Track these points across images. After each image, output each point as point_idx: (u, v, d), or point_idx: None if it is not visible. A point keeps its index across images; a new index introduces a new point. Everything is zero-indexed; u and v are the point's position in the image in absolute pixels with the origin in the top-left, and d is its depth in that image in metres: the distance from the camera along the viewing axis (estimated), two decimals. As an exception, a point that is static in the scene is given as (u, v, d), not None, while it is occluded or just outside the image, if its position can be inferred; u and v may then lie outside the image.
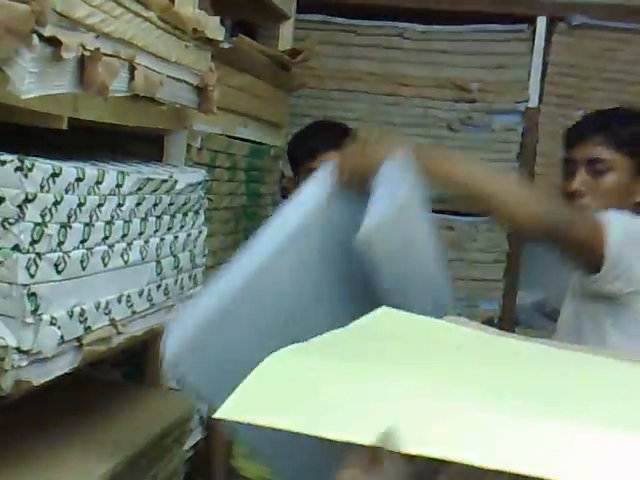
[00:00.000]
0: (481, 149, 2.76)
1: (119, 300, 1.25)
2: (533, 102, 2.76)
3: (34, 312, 1.00)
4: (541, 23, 2.72)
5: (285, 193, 2.18)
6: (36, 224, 1.00)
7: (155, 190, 1.35)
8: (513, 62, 2.77)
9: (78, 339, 1.13)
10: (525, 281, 2.84)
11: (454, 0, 2.76)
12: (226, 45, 1.70)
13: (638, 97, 2.69)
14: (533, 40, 2.73)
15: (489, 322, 2.59)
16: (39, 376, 1.04)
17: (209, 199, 1.69)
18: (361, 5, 2.78)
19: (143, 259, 1.33)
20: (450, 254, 2.64)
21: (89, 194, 1.13)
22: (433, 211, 2.67)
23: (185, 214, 1.50)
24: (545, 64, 2.75)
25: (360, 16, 2.79)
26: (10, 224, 0.97)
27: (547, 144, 2.75)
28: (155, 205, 1.36)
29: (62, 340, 1.07)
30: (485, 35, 2.77)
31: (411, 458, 0.64)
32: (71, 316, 1.09)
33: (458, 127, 2.76)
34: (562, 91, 2.76)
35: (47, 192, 1.02)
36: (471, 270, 2.78)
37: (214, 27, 1.53)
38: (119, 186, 1.22)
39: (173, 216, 1.44)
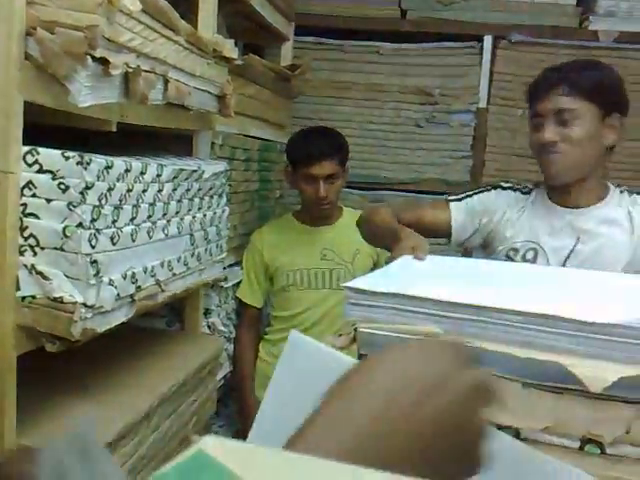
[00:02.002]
0: (442, 142, 2.75)
1: (162, 265, 1.25)
2: (482, 104, 2.73)
3: (96, 275, 1.00)
4: (487, 40, 2.68)
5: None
6: (94, 206, 1.00)
7: (187, 178, 1.34)
8: (466, 72, 2.74)
9: (131, 296, 1.13)
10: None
11: (419, 23, 2.72)
12: (239, 62, 1.68)
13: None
14: (481, 54, 2.70)
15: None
16: (101, 325, 1.04)
17: (229, 185, 1.69)
18: (346, 29, 2.75)
19: (179, 233, 1.33)
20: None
21: (135, 182, 1.13)
22: (404, 191, 2.71)
23: (211, 197, 1.50)
24: (491, 73, 2.72)
25: (346, 37, 2.76)
26: (74, 207, 0.97)
27: (494, 137, 2.73)
28: (187, 190, 1.35)
29: (118, 297, 1.07)
30: (444, 51, 2.74)
31: None
32: (125, 278, 1.10)
33: (424, 124, 2.75)
34: (505, 94, 2.73)
35: (102, 181, 1.02)
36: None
37: (230, 48, 1.52)
38: (159, 175, 1.22)
39: (202, 199, 1.44)
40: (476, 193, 1.55)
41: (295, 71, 2.33)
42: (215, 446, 0.29)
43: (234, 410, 2.12)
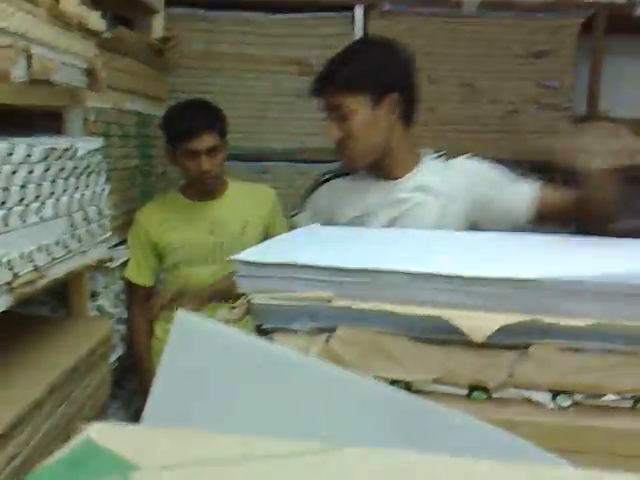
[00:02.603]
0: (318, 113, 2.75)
1: (39, 250, 1.17)
2: (357, 72, 2.76)
3: (-35, 265, 0.93)
4: (359, 10, 2.70)
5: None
6: (-42, 191, 0.92)
7: (60, 157, 1.26)
8: (340, 41, 2.72)
9: (8, 284, 1.05)
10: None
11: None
12: (108, 35, 1.60)
13: (435, 65, 2.76)
14: (353, 23, 2.72)
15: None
16: (-24, 317, 0.97)
17: (107, 162, 1.61)
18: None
19: (56, 215, 1.25)
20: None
21: (3, 164, 1.05)
22: (288, 160, 2.70)
23: (88, 175, 1.42)
24: (364, 42, 2.75)
25: (218, 8, 2.69)
26: None
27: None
28: (61, 170, 1.27)
29: (-7, 285, 1.00)
30: (317, 21, 2.73)
31: None
32: (0, 265, 1.02)
33: (304, 94, 2.74)
34: (378, 62, 2.78)
35: (-35, 164, 0.94)
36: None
37: (96, 20, 1.43)
38: (29, 156, 1.13)
39: (78, 178, 1.36)
40: (310, 192, 1.60)
41: (167, 43, 2.25)
42: (103, 432, 0.27)
43: (131, 390, 2.06)
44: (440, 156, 1.53)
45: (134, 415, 1.98)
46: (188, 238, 1.98)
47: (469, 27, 2.75)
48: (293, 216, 1.61)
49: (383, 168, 1.49)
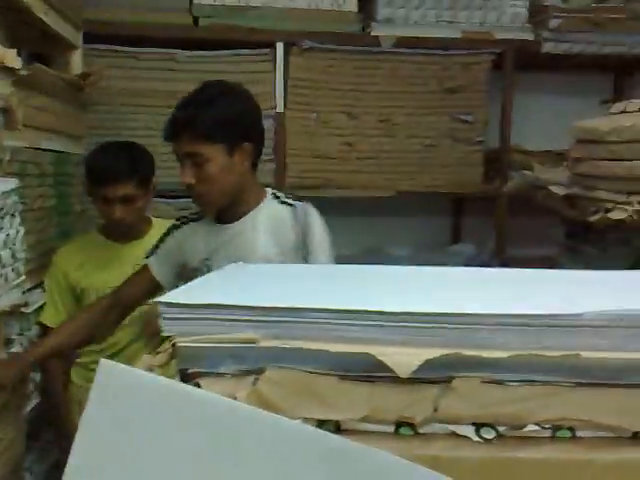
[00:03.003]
0: (244, 146, 2.76)
1: (-51, 297, 1.12)
2: (280, 108, 2.78)
3: None
4: (279, 47, 2.74)
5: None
6: None
7: (-28, 199, 1.21)
8: (262, 78, 2.77)
9: None
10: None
11: (212, 31, 2.71)
12: (24, 72, 1.55)
13: (354, 101, 2.82)
14: (275, 60, 2.75)
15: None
16: None
17: (23, 203, 1.55)
18: (139, 36, 2.65)
19: (-32, 259, 1.20)
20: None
21: None
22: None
23: (2, 217, 1.37)
24: (286, 79, 2.78)
25: (139, 44, 2.67)
26: None
27: (293, 140, 2.81)
28: (-27, 212, 1.22)
29: None
30: (239, 58, 2.75)
31: None
32: None
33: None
34: (300, 99, 2.81)
35: None
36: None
37: (12, 57, 1.40)
38: (-63, 199, 1.08)
39: (-9, 220, 1.31)
40: (164, 237, 1.66)
41: (86, 80, 2.21)
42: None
43: (47, 441, 1.96)
44: (278, 197, 1.59)
45: (51, 468, 1.89)
46: (109, 280, 1.89)
47: (386, 63, 2.84)
48: (147, 257, 1.66)
49: (229, 211, 1.56)
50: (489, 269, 1.10)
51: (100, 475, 0.51)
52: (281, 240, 1.51)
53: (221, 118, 1.45)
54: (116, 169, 1.84)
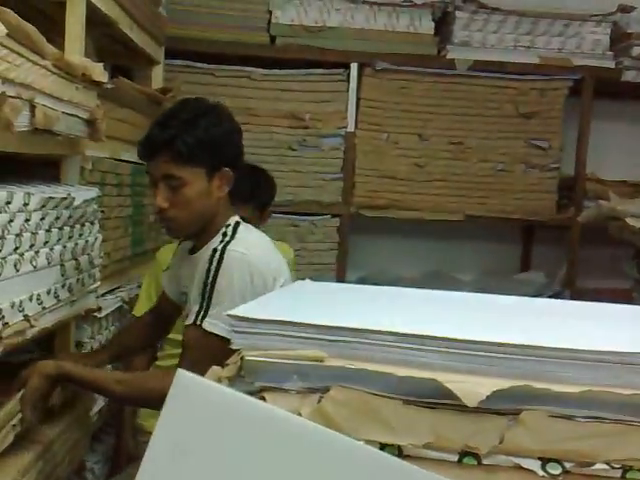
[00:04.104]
0: (314, 164, 2.81)
1: (30, 299, 1.18)
2: (350, 128, 2.81)
3: (-42, 314, 0.93)
4: (353, 68, 2.77)
5: None
6: (-44, 240, 0.92)
7: (56, 206, 1.28)
8: (334, 98, 2.82)
9: (-2, 334, 1.05)
10: (352, 262, 2.92)
11: (288, 50, 2.77)
12: (109, 86, 1.63)
13: (425, 122, 2.82)
14: (348, 81, 2.79)
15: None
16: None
17: (102, 211, 1.62)
18: (217, 54, 2.74)
19: (49, 264, 1.26)
20: (295, 245, 2.67)
21: (1, 212, 1.06)
22: (280, 212, 2.73)
23: (82, 225, 1.43)
24: (358, 99, 2.81)
25: (217, 61, 2.75)
26: None
27: (362, 160, 2.82)
28: (57, 218, 1.29)
29: (-16, 335, 1.00)
30: (313, 77, 2.80)
31: None
32: (-10, 315, 1.02)
33: (296, 147, 2.79)
34: (371, 119, 2.83)
35: (-36, 212, 0.95)
36: (311, 257, 2.82)
37: (99, 72, 1.47)
38: (26, 204, 1.15)
39: (72, 227, 1.38)
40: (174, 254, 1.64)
41: (166, 94, 2.29)
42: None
43: (110, 445, 2.02)
44: (225, 235, 1.42)
45: (109, 474, 1.94)
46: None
47: (460, 86, 2.83)
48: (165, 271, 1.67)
49: (198, 238, 1.45)
50: (561, 301, 1.08)
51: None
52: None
53: (203, 140, 1.35)
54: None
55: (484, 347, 0.74)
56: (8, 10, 1.03)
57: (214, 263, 1.34)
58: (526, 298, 1.15)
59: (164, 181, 1.36)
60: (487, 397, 0.69)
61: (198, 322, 1.31)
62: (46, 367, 1.27)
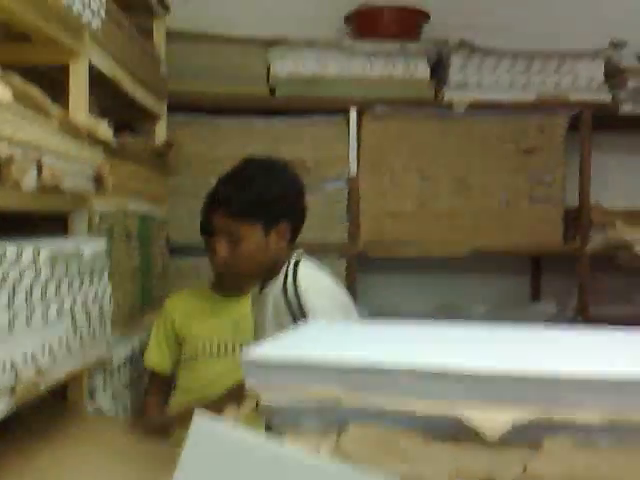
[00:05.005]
0: (319, 208, 2.81)
1: (42, 351, 1.18)
2: (353, 172, 2.84)
3: (-29, 369, 0.93)
4: (352, 113, 2.81)
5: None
6: (-32, 296, 0.93)
7: (66, 260, 1.29)
8: (335, 143, 2.85)
9: (11, 387, 1.05)
10: (362, 301, 2.91)
11: (288, 100, 2.81)
12: (114, 142, 1.66)
13: (427, 162, 2.85)
14: (348, 126, 2.82)
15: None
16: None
17: (110, 263, 1.63)
18: (218, 106, 2.78)
19: (60, 316, 1.26)
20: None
21: (11, 268, 1.07)
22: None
23: (92, 276, 1.44)
24: (359, 143, 2.84)
25: (218, 113, 2.79)
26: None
27: (366, 201, 2.84)
28: (67, 271, 1.30)
29: (-3, 389, 1.00)
30: (313, 124, 2.84)
31: None
32: (3, 369, 1.02)
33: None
34: (373, 162, 2.85)
35: (-25, 268, 0.95)
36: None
37: (104, 129, 1.51)
38: (36, 259, 1.16)
39: (82, 279, 1.38)
40: None
41: (170, 148, 2.33)
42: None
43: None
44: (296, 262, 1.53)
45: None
46: (210, 331, 1.98)
47: (459, 126, 2.86)
48: None
49: (264, 280, 1.55)
50: (573, 329, 1.07)
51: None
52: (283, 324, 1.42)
53: (258, 198, 1.46)
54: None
55: (502, 378, 0.73)
56: (14, 74, 1.06)
57: (294, 290, 1.44)
58: (539, 328, 1.14)
59: (225, 234, 1.48)
60: (508, 429, 0.68)
61: None
62: None
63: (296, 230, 1.56)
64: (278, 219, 1.49)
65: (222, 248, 1.48)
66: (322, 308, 1.41)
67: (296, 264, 1.51)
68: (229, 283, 1.56)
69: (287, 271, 1.50)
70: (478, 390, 0.73)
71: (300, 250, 1.58)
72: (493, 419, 0.69)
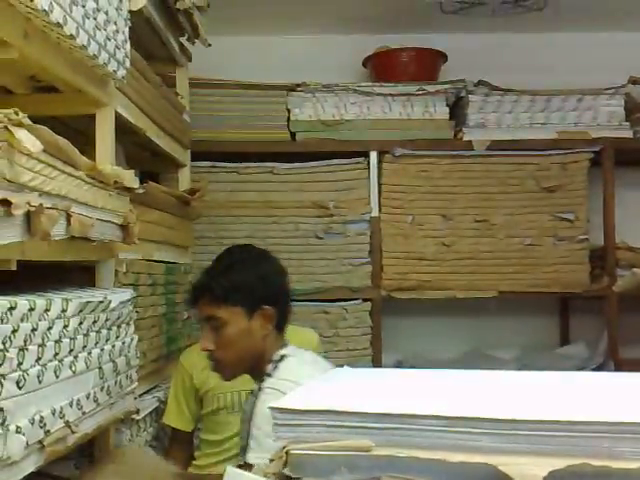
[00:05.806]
0: (341, 250, 2.83)
1: (71, 404, 1.17)
2: (375, 213, 2.85)
3: (2, 424, 0.93)
4: (373, 156, 2.83)
5: None
6: (-1, 350, 0.94)
7: (93, 310, 1.29)
8: (356, 185, 2.87)
9: (40, 442, 1.05)
10: (388, 346, 2.88)
11: (308, 144, 2.85)
12: (140, 191, 1.69)
13: (449, 202, 2.85)
14: (369, 168, 2.85)
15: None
16: (8, 478, 0.96)
17: (136, 311, 1.64)
18: (240, 153, 2.83)
19: (88, 367, 1.26)
20: (327, 332, 2.66)
21: (40, 320, 1.08)
22: (310, 300, 2.73)
23: (119, 326, 1.45)
24: (380, 185, 2.85)
25: (240, 158, 2.83)
26: (-24, 353, 0.91)
27: (389, 243, 2.84)
28: (94, 322, 1.30)
29: (27, 445, 0.99)
30: (334, 167, 2.86)
31: None
32: (32, 423, 1.02)
33: (322, 235, 2.82)
34: (395, 203, 2.87)
35: (6, 323, 0.96)
36: (345, 343, 2.79)
37: (130, 178, 1.53)
38: (64, 311, 1.17)
39: (109, 329, 1.39)
40: None
41: (194, 194, 2.36)
42: None
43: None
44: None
45: None
46: (230, 385, 1.95)
47: (480, 166, 2.87)
48: None
49: (253, 376, 1.56)
50: (607, 373, 1.05)
51: None
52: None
53: (238, 282, 1.51)
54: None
55: (536, 426, 0.71)
56: (43, 127, 1.09)
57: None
58: (570, 372, 1.12)
59: (208, 323, 1.52)
60: (544, 478, 0.66)
61: None
62: None
63: (283, 315, 1.57)
64: (260, 303, 1.52)
65: (206, 340, 1.52)
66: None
67: (281, 359, 1.51)
68: (216, 370, 1.56)
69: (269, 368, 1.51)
70: (511, 438, 0.72)
71: (283, 350, 1.55)
72: (528, 467, 0.68)
